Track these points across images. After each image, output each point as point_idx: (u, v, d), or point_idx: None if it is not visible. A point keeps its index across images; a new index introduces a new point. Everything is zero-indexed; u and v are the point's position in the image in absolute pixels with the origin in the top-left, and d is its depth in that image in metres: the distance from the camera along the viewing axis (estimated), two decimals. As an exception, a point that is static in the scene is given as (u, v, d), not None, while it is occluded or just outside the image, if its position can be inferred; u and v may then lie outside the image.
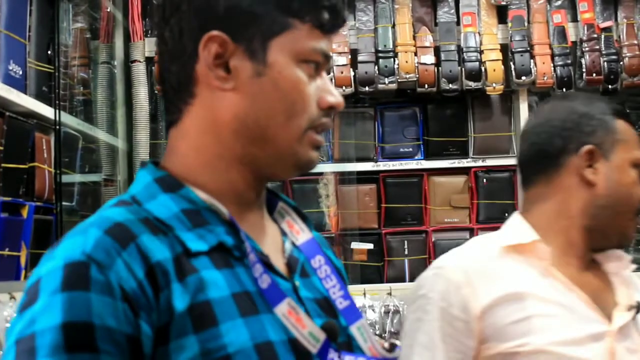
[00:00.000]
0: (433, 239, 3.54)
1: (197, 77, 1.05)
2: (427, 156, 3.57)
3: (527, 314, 1.50)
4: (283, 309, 1.00)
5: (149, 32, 3.51)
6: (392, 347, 1.09)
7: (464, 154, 3.58)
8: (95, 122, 3.24)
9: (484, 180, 3.56)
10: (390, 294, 3.35)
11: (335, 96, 1.08)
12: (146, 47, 3.44)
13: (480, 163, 3.57)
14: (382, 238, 3.52)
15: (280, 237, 1.13)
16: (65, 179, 2.77)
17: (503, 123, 3.58)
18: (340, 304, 1.10)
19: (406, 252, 3.50)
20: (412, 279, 3.46)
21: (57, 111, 2.66)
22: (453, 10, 3.53)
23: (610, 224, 1.58)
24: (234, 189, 1.06)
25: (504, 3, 3.49)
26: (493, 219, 3.55)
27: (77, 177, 2.98)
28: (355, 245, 3.47)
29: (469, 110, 3.60)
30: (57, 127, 2.65)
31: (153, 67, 3.41)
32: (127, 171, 3.46)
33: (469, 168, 3.58)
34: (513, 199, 3.55)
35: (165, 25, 1.07)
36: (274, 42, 1.04)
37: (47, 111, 2.61)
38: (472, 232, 3.55)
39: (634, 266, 1.66)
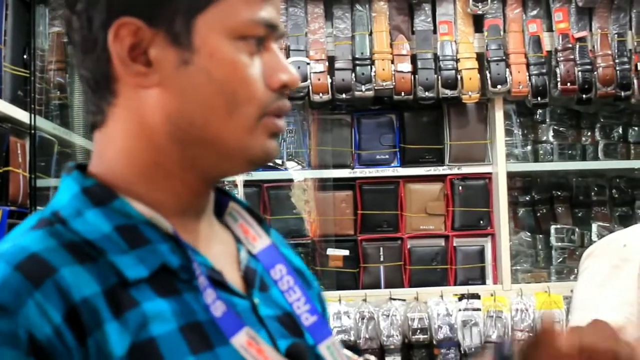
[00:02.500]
0: (408, 246, 3.56)
1: (115, 74, 0.88)
2: (403, 163, 3.59)
3: None
4: (241, 339, 0.85)
5: (127, 37, 3.50)
6: None
7: (440, 162, 3.60)
8: (71, 126, 3.23)
9: (460, 187, 3.58)
10: (365, 300, 3.37)
11: (287, 72, 0.90)
12: (123, 52, 3.43)
13: (455, 170, 3.59)
14: (358, 244, 3.53)
15: (234, 245, 0.97)
16: (41, 183, 2.76)
17: (479, 131, 3.60)
18: (307, 319, 0.94)
19: (382, 259, 3.52)
20: (387, 286, 3.49)
21: (32, 115, 2.65)
22: (430, 19, 3.55)
23: None
24: (177, 199, 0.90)
25: (480, 12, 3.51)
26: (468, 227, 3.58)
27: (52, 182, 2.97)
28: (331, 251, 3.49)
29: (445, 118, 3.62)
30: (32, 131, 2.65)
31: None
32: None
33: (445, 175, 3.60)
34: (488, 207, 3.58)
35: (72, 12, 0.89)
36: (199, 20, 0.86)
37: (22, 115, 2.60)
38: (448, 239, 3.58)
39: None
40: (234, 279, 0.92)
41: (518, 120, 3.79)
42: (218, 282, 0.89)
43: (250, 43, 0.88)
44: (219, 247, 0.94)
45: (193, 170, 0.89)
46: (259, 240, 0.98)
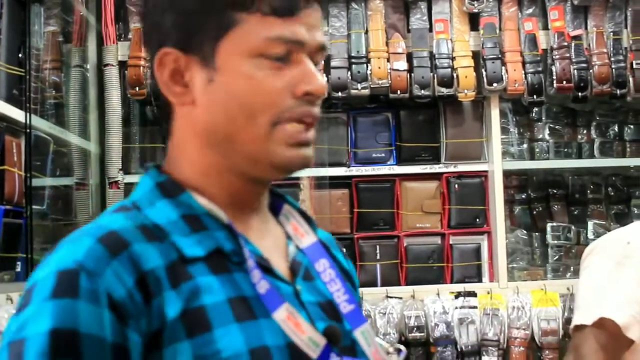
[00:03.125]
0: (405, 244, 3.56)
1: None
2: (400, 162, 3.59)
3: None
4: (281, 314, 1.00)
5: (122, 36, 3.50)
6: (398, 352, 1.11)
7: (436, 160, 3.60)
8: (67, 125, 3.23)
9: (456, 185, 3.58)
10: (362, 298, 3.36)
11: (312, 82, 1.02)
12: (119, 51, 3.43)
13: (452, 169, 3.59)
14: (355, 243, 3.53)
15: (284, 240, 1.12)
16: (36, 182, 2.75)
17: (475, 129, 3.60)
18: (345, 307, 1.09)
19: (378, 257, 3.52)
20: (383, 284, 3.49)
21: (28, 114, 2.64)
22: (426, 17, 3.55)
23: None
24: (231, 194, 1.06)
25: (476, 10, 3.51)
26: (464, 224, 3.58)
27: (48, 181, 2.97)
28: (327, 250, 3.48)
29: (441, 117, 3.62)
30: (28, 130, 2.64)
31: (126, 71, 3.40)
32: (99, 175, 3.45)
33: (441, 174, 3.60)
34: (484, 205, 3.58)
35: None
36: (222, 44, 1.01)
37: (17, 114, 2.60)
38: (444, 238, 3.58)
39: None
40: (282, 268, 1.07)
41: (514, 119, 3.79)
42: (265, 268, 1.03)
43: (270, 59, 1.01)
44: (270, 241, 1.09)
45: (235, 172, 1.05)
46: (307, 237, 1.13)
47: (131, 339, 0.92)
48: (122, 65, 3.43)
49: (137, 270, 0.94)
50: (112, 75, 3.40)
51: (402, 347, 1.12)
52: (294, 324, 1.00)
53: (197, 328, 0.95)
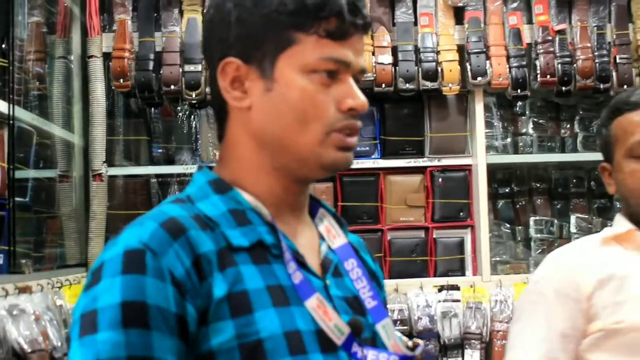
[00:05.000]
0: (389, 238, 3.57)
1: (226, 100, 1.19)
2: (384, 155, 3.60)
3: (626, 296, 1.66)
4: (312, 302, 1.12)
5: (107, 27, 3.48)
6: (415, 346, 1.21)
7: (420, 154, 3.61)
8: (50, 117, 3.21)
9: (440, 179, 3.59)
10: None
11: (355, 99, 1.15)
12: (103, 42, 3.42)
13: (436, 162, 3.60)
14: (339, 236, 3.53)
15: (317, 240, 1.25)
16: (19, 174, 2.74)
17: (459, 123, 3.61)
18: (369, 303, 1.21)
19: (362, 250, 3.52)
20: (367, 277, 3.49)
21: (11, 106, 2.63)
22: (411, 11, 3.55)
23: None
24: (274, 193, 1.19)
25: (460, 4, 3.52)
26: (448, 218, 3.60)
27: (31, 173, 2.96)
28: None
29: (426, 110, 3.63)
30: (11, 121, 2.63)
31: (110, 63, 3.39)
32: (82, 167, 3.44)
33: (425, 167, 3.60)
34: (468, 199, 3.59)
35: (205, 56, 1.24)
36: (280, 59, 1.15)
37: (0, 106, 2.58)
38: (427, 231, 3.59)
39: None
40: (314, 264, 1.19)
41: (498, 113, 3.80)
42: (300, 262, 1.16)
43: (322, 75, 1.15)
44: (306, 239, 1.22)
45: (282, 172, 1.18)
46: (338, 239, 1.26)
47: (189, 312, 1.04)
48: (107, 56, 3.42)
49: (193, 252, 1.07)
50: (96, 66, 3.39)
51: (420, 342, 1.23)
52: (323, 312, 1.12)
53: (240, 309, 1.06)
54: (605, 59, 3.52)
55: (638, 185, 1.70)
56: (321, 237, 1.25)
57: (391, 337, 1.20)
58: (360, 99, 1.16)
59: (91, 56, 3.39)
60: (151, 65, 3.37)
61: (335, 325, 1.12)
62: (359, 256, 1.27)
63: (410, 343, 1.21)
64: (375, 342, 1.18)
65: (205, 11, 1.14)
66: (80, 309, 1.04)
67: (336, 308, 1.16)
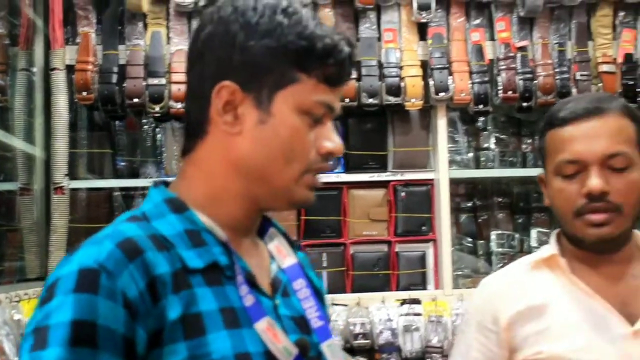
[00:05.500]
0: (351, 252, 3.58)
1: (210, 119, 1.19)
2: (347, 169, 3.61)
3: (546, 325, 1.64)
4: (262, 325, 1.15)
5: (70, 40, 3.47)
6: None
7: (383, 168, 3.63)
8: (12, 130, 3.19)
9: (402, 194, 3.61)
10: (308, 305, 3.37)
11: (334, 143, 1.20)
12: (67, 55, 3.40)
13: (399, 177, 3.62)
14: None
15: (268, 259, 1.28)
16: (-22, 187, 2.72)
17: (422, 138, 3.63)
18: (315, 323, 1.24)
19: (325, 264, 3.53)
20: (330, 291, 3.49)
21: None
22: (375, 26, 3.58)
23: None
24: (234, 217, 1.21)
25: (424, 20, 3.55)
26: (411, 232, 3.61)
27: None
28: (274, 256, 3.48)
29: (389, 125, 3.65)
30: (-30, 135, 2.61)
31: (73, 75, 3.37)
32: (44, 180, 3.41)
33: (388, 182, 3.62)
34: (430, 213, 3.61)
35: (192, 68, 1.23)
36: (279, 94, 1.17)
37: (-41, 119, 2.57)
38: (390, 245, 3.60)
39: None
40: (264, 284, 1.22)
41: (463, 128, 3.84)
42: (252, 283, 1.19)
43: (311, 118, 1.18)
44: (257, 259, 1.25)
45: (250, 200, 1.20)
46: (288, 259, 1.29)
47: (139, 334, 1.06)
48: (70, 69, 3.40)
49: (149, 274, 1.08)
50: (59, 79, 3.37)
51: None
52: (272, 335, 1.15)
53: (193, 331, 1.09)
54: (566, 75, 3.57)
55: (563, 205, 1.64)
56: (271, 256, 1.28)
57: (336, 356, 1.24)
58: (338, 144, 1.21)
59: (54, 69, 3.37)
60: (114, 78, 3.36)
61: (283, 347, 1.15)
62: (304, 273, 1.30)
63: None
64: None
65: (204, 19, 1.24)
66: (33, 324, 1.06)
67: (284, 328, 1.19)
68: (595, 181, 1.59)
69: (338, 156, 1.23)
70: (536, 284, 1.70)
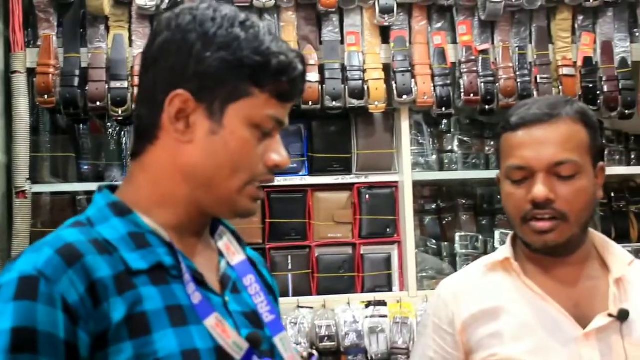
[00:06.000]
0: (316, 254, 3.58)
1: (161, 125, 1.22)
2: (312, 172, 3.61)
3: (500, 327, 1.66)
4: (211, 321, 1.18)
5: (31, 43, 3.44)
6: (309, 357, 1.28)
7: (348, 171, 3.64)
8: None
9: (367, 196, 3.62)
10: (273, 308, 3.37)
11: (280, 156, 1.24)
12: (27, 58, 3.36)
13: (363, 179, 3.63)
14: (266, 253, 3.54)
15: (217, 257, 1.31)
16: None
17: (385, 140, 3.65)
18: (267, 317, 1.28)
19: (290, 267, 3.54)
20: (295, 294, 3.51)
21: None
22: (338, 30, 3.59)
23: None
24: (179, 221, 1.24)
25: (386, 24, 3.56)
26: (375, 234, 3.63)
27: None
28: (239, 260, 3.47)
29: (353, 128, 3.66)
30: None
31: (34, 79, 3.34)
32: (5, 184, 3.37)
33: (352, 184, 3.63)
34: (395, 215, 3.63)
35: (145, 72, 1.25)
36: (232, 106, 1.20)
37: None
38: (355, 247, 3.61)
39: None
40: (213, 281, 1.25)
41: (428, 130, 3.86)
42: (200, 281, 1.22)
43: (260, 131, 1.21)
44: (205, 257, 1.28)
45: (195, 205, 1.23)
46: (237, 256, 1.32)
47: (81, 338, 1.07)
48: (30, 72, 3.37)
49: (89, 278, 1.10)
50: (20, 82, 3.34)
51: (314, 352, 1.33)
52: (222, 330, 1.18)
53: (138, 331, 1.11)
54: (527, 78, 3.61)
55: (512, 209, 1.67)
56: (220, 254, 1.32)
57: (288, 349, 1.28)
58: (285, 157, 1.24)
59: (15, 72, 3.34)
60: (76, 81, 3.33)
61: (233, 342, 1.18)
62: (257, 271, 1.34)
63: (305, 354, 1.30)
64: (273, 354, 1.26)
65: (161, 24, 1.25)
66: None
67: (236, 323, 1.22)
68: (539, 189, 1.61)
69: (284, 169, 1.26)
70: (491, 287, 1.72)
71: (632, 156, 3.94)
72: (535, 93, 3.59)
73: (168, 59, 1.20)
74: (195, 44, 1.19)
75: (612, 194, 3.95)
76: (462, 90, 3.56)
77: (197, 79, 1.19)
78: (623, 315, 1.62)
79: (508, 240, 1.76)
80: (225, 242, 1.34)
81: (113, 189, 1.27)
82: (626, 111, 3.66)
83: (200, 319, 1.18)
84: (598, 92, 3.65)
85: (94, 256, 1.13)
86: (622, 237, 3.81)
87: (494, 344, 1.65)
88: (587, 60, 3.68)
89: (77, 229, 1.17)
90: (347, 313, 3.42)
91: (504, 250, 1.74)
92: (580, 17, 3.74)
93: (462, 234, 3.82)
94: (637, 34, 3.80)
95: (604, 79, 3.66)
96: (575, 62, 3.69)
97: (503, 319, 1.67)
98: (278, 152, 1.24)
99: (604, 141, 3.83)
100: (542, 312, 1.65)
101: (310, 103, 3.44)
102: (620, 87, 3.65)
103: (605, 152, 3.83)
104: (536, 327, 1.64)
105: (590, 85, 3.65)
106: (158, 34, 1.23)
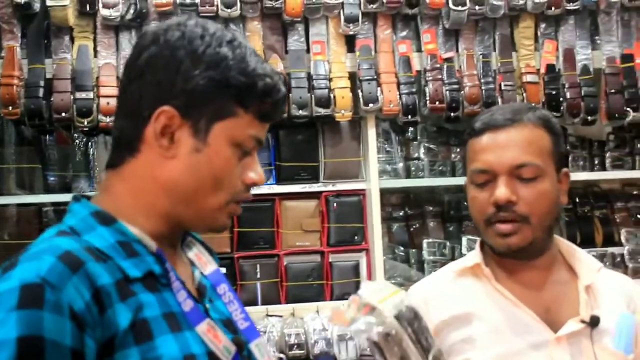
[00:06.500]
0: (285, 262, 3.59)
1: (145, 138, 1.22)
2: (279, 181, 3.62)
3: (472, 333, 1.66)
4: (203, 327, 1.21)
5: (-5, 53, 3.42)
6: None
7: (315, 179, 3.65)
8: None
9: (334, 204, 3.64)
10: (242, 317, 3.36)
11: (258, 174, 1.26)
12: (-9, 69, 3.34)
13: (330, 187, 3.65)
14: (235, 262, 3.54)
15: (190, 267, 1.32)
16: None
17: (352, 148, 3.67)
18: (242, 324, 1.31)
19: (258, 276, 3.54)
20: (264, 303, 3.51)
21: None
22: (303, 39, 3.61)
23: None
24: (158, 232, 1.24)
25: (351, 33, 3.59)
26: (343, 242, 3.65)
27: None
28: (207, 269, 3.47)
29: (320, 136, 3.68)
30: None
31: (-1, 90, 3.31)
32: (-30, 197, 3.35)
33: (320, 192, 3.65)
34: (362, 222, 3.65)
35: (129, 84, 1.24)
36: (217, 125, 1.21)
37: None
38: (323, 255, 3.63)
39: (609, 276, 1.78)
40: (192, 291, 1.27)
41: (396, 138, 3.89)
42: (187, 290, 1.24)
43: (241, 150, 1.23)
44: (181, 267, 1.29)
45: (174, 219, 1.25)
46: (209, 266, 1.34)
47: (88, 345, 1.08)
48: (-5, 83, 3.34)
49: (93, 285, 1.10)
50: (-16, 94, 3.31)
51: (283, 357, 1.31)
52: (213, 336, 1.21)
53: (143, 336, 1.13)
54: (491, 85, 3.65)
55: (476, 213, 1.69)
56: (191, 264, 1.33)
57: (265, 354, 1.31)
58: (262, 176, 1.27)
59: (-21, 83, 3.31)
60: (41, 92, 3.31)
61: (224, 346, 1.22)
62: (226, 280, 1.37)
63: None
64: (250, 359, 1.29)
65: (147, 38, 1.25)
66: None
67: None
68: (501, 191, 1.63)
69: (259, 185, 1.28)
70: (461, 292, 1.73)
71: (596, 162, 3.99)
72: (499, 100, 3.63)
73: (155, 74, 1.21)
74: (183, 61, 1.20)
75: (577, 200, 4.01)
76: (427, 98, 3.59)
77: (184, 96, 1.20)
78: (594, 322, 1.66)
79: (477, 246, 1.78)
80: (196, 253, 1.36)
81: (88, 198, 1.27)
82: (588, 117, 3.72)
83: (192, 325, 1.20)
84: (561, 99, 3.70)
85: (93, 263, 1.13)
86: (587, 242, 3.87)
87: (467, 349, 1.67)
88: (550, 68, 3.74)
89: (68, 238, 1.17)
90: (316, 321, 3.43)
91: (473, 256, 1.76)
92: (543, 25, 3.80)
93: (430, 240, 3.85)
94: (598, 42, 3.85)
95: (566, 85, 3.72)
96: (538, 70, 3.74)
97: (475, 324, 1.68)
98: (255, 171, 1.26)
99: (567, 147, 3.88)
100: (513, 317, 1.67)
101: (277, 112, 3.44)
102: (583, 93, 3.71)
103: (570, 158, 3.88)
104: (508, 332, 1.66)
105: (554, 92, 3.70)
106: (145, 48, 1.24)
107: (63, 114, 3.30)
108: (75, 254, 1.12)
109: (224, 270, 3.45)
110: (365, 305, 1.41)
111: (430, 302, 1.73)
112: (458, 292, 1.73)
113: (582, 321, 1.66)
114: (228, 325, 1.29)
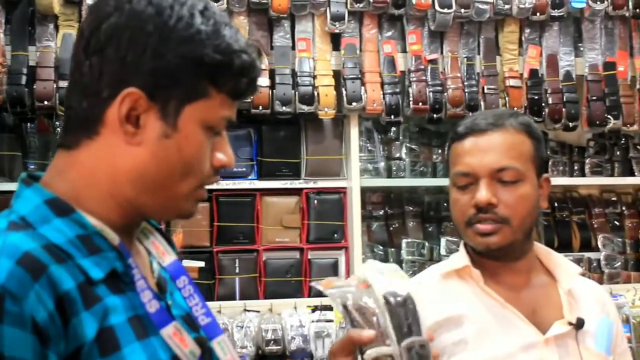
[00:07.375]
0: (264, 258, 3.59)
1: (105, 120, 1.09)
2: (261, 176, 3.63)
3: (463, 335, 1.67)
4: (169, 330, 1.10)
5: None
6: None
7: (297, 176, 3.66)
8: None
9: (315, 201, 3.65)
10: (220, 312, 3.37)
11: (227, 156, 1.15)
12: (-26, 55, 3.32)
13: (311, 184, 3.65)
14: (214, 256, 3.54)
15: (147, 257, 1.21)
16: None
17: (334, 146, 3.68)
18: (203, 320, 1.19)
19: (237, 271, 3.54)
20: (242, 297, 3.51)
21: None
22: (289, 35, 3.61)
23: None
24: (118, 221, 1.12)
25: (337, 31, 3.60)
26: (323, 240, 3.65)
27: None
28: (186, 263, 3.47)
29: (302, 133, 3.68)
30: None
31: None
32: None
33: (301, 189, 3.65)
34: (342, 220, 3.66)
35: (86, 59, 1.09)
36: (187, 108, 1.09)
37: None
38: (302, 252, 3.63)
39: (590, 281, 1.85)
40: (152, 285, 1.15)
41: (379, 137, 3.90)
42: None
43: (212, 132, 1.12)
44: (139, 258, 1.17)
45: (136, 207, 1.12)
46: (167, 256, 1.22)
47: None
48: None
49: (56, 293, 0.99)
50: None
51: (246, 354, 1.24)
52: (179, 339, 1.11)
53: (109, 347, 1.02)
54: (474, 88, 3.67)
55: (457, 214, 1.72)
56: (148, 254, 1.22)
57: (228, 352, 1.19)
58: (231, 157, 1.16)
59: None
60: (24, 79, 3.29)
61: (190, 350, 1.11)
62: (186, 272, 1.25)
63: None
64: (212, 358, 1.18)
65: (108, 4, 1.09)
66: None
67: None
68: (482, 193, 1.67)
69: (229, 168, 1.18)
70: (450, 294, 1.74)
71: (575, 167, 4.03)
72: (482, 103, 3.66)
73: (119, 49, 1.07)
74: (152, 36, 1.06)
75: (555, 204, 4.04)
76: (410, 99, 3.61)
77: (152, 76, 1.07)
78: (580, 324, 1.70)
79: (461, 247, 1.79)
80: (153, 242, 1.23)
81: (36, 179, 1.12)
82: (570, 123, 3.75)
83: (157, 328, 1.09)
84: (543, 104, 3.73)
85: (55, 266, 1.00)
86: (564, 247, 3.91)
87: (457, 352, 1.68)
88: (533, 73, 3.77)
89: (22, 233, 1.03)
90: (293, 317, 3.44)
91: (460, 258, 1.77)
92: (527, 30, 3.82)
93: (409, 240, 3.86)
94: (582, 49, 3.89)
95: (549, 91, 3.75)
96: (521, 74, 3.78)
97: (465, 326, 1.70)
98: (225, 152, 1.14)
99: (548, 152, 3.91)
100: (502, 318, 1.70)
101: (261, 107, 3.46)
102: (565, 99, 3.74)
103: (550, 163, 3.91)
104: (498, 333, 1.68)
105: (536, 97, 3.73)
106: (105, 16, 1.08)
107: (45, 102, 3.29)
108: (35, 255, 0.99)
109: (201, 264, 3.50)
110: (364, 281, 1.37)
111: (419, 304, 1.73)
112: (447, 294, 1.75)
113: (570, 323, 1.69)
114: (188, 321, 1.17)
